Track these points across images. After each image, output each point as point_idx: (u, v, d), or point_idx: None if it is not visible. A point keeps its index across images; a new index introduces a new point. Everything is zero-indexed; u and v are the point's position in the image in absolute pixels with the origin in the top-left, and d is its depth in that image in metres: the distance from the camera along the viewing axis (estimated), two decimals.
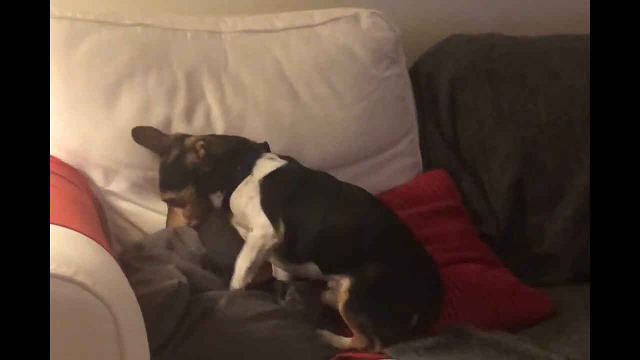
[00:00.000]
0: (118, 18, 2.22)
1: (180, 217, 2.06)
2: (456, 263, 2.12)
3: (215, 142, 2.04)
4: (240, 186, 2.00)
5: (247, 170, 2.01)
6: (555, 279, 2.35)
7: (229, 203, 2.01)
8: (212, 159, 2.01)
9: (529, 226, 2.39)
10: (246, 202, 1.98)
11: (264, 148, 2.08)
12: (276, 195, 1.96)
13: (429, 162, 2.43)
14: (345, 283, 1.87)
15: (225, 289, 1.90)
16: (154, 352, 1.59)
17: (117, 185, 2.13)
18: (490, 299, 2.04)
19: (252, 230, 1.95)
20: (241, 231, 2.03)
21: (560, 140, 2.40)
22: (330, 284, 1.95)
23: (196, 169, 2.01)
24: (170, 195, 2.04)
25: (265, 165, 2.01)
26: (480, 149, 2.42)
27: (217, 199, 2.04)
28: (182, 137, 2.05)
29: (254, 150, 2.05)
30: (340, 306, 1.87)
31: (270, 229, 1.92)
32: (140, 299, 1.49)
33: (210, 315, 1.79)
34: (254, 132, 2.18)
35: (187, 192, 2.03)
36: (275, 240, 1.92)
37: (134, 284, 1.52)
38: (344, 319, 1.88)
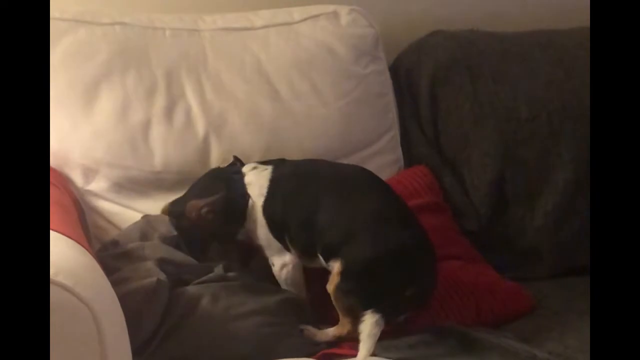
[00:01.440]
0: (96, 17, 2.21)
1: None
2: (437, 260, 2.12)
3: (212, 201, 1.97)
4: (248, 221, 1.99)
5: (245, 198, 1.98)
6: (536, 274, 2.35)
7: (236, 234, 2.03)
8: (221, 214, 1.98)
9: (510, 221, 2.40)
10: (254, 226, 1.99)
11: (239, 164, 2.06)
12: (278, 215, 1.96)
13: (409, 158, 2.43)
14: (337, 266, 1.86)
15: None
16: (136, 351, 1.59)
17: (96, 185, 2.13)
18: (472, 295, 2.04)
19: (273, 265, 1.99)
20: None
21: (540, 135, 2.41)
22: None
23: (214, 230, 1.99)
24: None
25: (256, 181, 2.00)
26: (461, 145, 2.42)
27: (241, 236, 2.03)
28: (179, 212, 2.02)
29: (236, 174, 2.03)
30: (331, 289, 1.86)
31: (286, 258, 1.97)
32: (120, 298, 1.49)
33: (193, 314, 1.79)
34: (234, 129, 2.18)
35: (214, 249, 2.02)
36: (294, 264, 1.97)
37: (114, 283, 1.52)
38: (334, 301, 1.87)
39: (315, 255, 1.94)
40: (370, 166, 2.32)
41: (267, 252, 1.99)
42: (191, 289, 1.85)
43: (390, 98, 2.44)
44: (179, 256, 1.94)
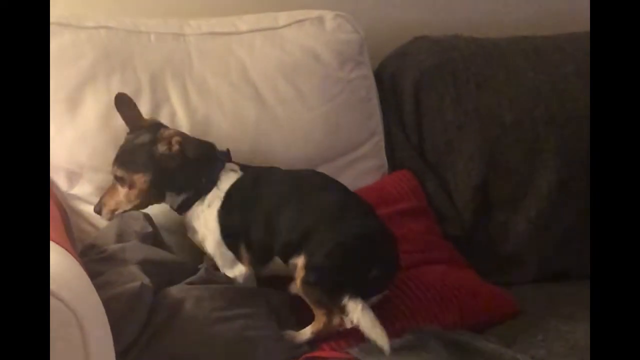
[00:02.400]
0: (81, 21, 2.21)
1: (120, 196, 2.01)
2: (421, 264, 2.13)
3: (191, 143, 2.02)
4: (203, 206, 2.00)
5: (212, 184, 2.01)
6: (519, 278, 2.36)
7: (185, 210, 2.02)
8: (182, 159, 1.98)
9: (494, 226, 2.41)
10: (205, 233, 2.00)
11: (227, 156, 2.08)
12: (235, 220, 1.98)
13: (393, 163, 2.44)
14: (300, 261, 1.88)
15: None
16: (120, 355, 1.59)
17: (80, 189, 2.12)
18: (455, 299, 2.04)
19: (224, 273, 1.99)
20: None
21: (524, 140, 2.42)
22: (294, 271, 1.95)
23: (162, 161, 1.98)
24: (122, 173, 1.99)
25: (225, 180, 2.02)
26: (444, 150, 2.43)
27: (172, 199, 2.03)
28: (158, 126, 2.04)
29: (220, 161, 2.05)
30: (298, 284, 1.88)
31: (238, 270, 1.98)
32: (104, 302, 1.49)
33: (176, 317, 1.78)
34: (219, 134, 2.18)
35: (142, 179, 1.99)
36: (247, 275, 1.98)
37: (97, 287, 1.52)
38: (304, 296, 1.89)
39: (270, 259, 1.96)
40: (355, 171, 2.34)
41: (219, 263, 2.00)
42: (174, 291, 1.85)
43: (374, 103, 2.44)
44: (161, 254, 1.94)
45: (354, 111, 2.37)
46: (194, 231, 2.02)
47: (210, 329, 1.79)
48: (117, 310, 1.66)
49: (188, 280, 1.89)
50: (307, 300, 1.89)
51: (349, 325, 1.84)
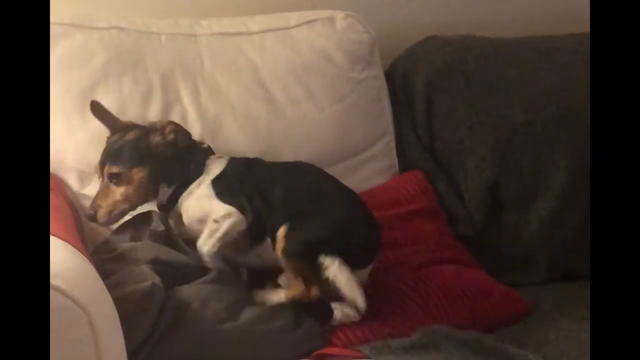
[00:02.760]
0: (93, 21, 2.21)
1: (116, 196, 1.99)
2: (432, 264, 2.13)
3: (182, 131, 2.03)
4: (192, 187, 2.00)
5: (200, 169, 2.01)
6: (531, 278, 2.36)
7: (173, 204, 2.02)
8: (175, 148, 1.99)
9: (505, 226, 2.40)
10: (202, 202, 1.98)
11: (210, 150, 2.09)
12: (232, 187, 1.98)
13: (404, 163, 2.44)
14: (281, 231, 1.89)
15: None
16: (131, 355, 1.59)
17: (92, 189, 2.12)
18: (466, 300, 2.04)
19: (215, 221, 1.94)
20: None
21: (535, 141, 2.41)
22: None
23: (158, 152, 1.99)
24: (117, 169, 1.97)
25: (214, 165, 2.03)
26: (455, 150, 2.43)
27: (164, 192, 2.02)
28: (137, 125, 2.05)
29: (207, 149, 2.07)
30: (279, 253, 1.89)
31: (237, 214, 1.94)
32: (116, 301, 1.49)
33: (184, 317, 1.78)
34: (229, 134, 2.19)
35: (140, 173, 1.98)
36: (243, 225, 1.95)
37: (109, 287, 1.52)
38: (284, 266, 1.90)
39: (263, 239, 1.95)
40: (365, 171, 2.34)
41: (213, 212, 1.96)
42: (182, 291, 1.85)
43: (385, 103, 2.44)
44: (171, 254, 1.94)
45: (365, 111, 2.38)
46: (184, 216, 2.00)
47: (218, 328, 1.79)
48: (128, 310, 1.66)
49: (199, 281, 1.89)
50: (286, 270, 1.90)
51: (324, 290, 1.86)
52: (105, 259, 1.91)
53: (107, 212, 1.99)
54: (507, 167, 2.41)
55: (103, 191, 2.00)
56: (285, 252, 1.88)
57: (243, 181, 1.99)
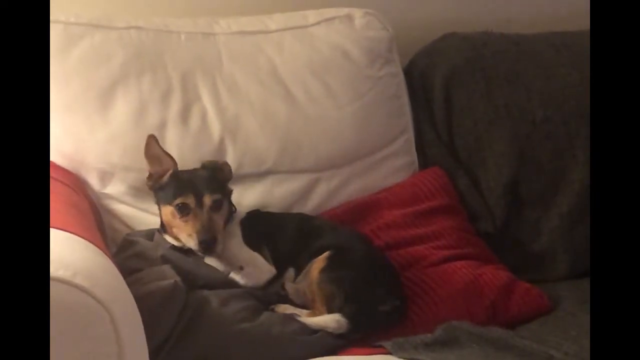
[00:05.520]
0: (112, 21, 2.22)
1: (220, 223, 1.98)
2: (453, 260, 2.13)
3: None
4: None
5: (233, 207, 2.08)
6: (552, 275, 2.35)
7: None
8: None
9: (525, 223, 2.40)
10: (230, 242, 2.00)
11: None
12: (256, 229, 2.04)
13: (424, 160, 2.44)
14: (326, 253, 1.93)
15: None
16: (152, 352, 1.59)
17: (113, 188, 2.13)
18: (487, 296, 2.04)
19: (243, 269, 1.97)
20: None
21: (555, 137, 2.41)
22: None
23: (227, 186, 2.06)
24: (217, 197, 1.96)
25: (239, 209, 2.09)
26: (475, 147, 2.43)
27: None
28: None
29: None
30: (315, 274, 1.90)
31: (266, 266, 1.99)
32: (137, 300, 1.49)
33: (203, 316, 1.79)
34: (249, 132, 2.19)
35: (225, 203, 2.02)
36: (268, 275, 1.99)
37: (131, 285, 1.52)
38: (315, 286, 1.90)
39: (285, 270, 2.00)
40: (385, 168, 2.34)
41: (241, 258, 1.99)
42: (204, 291, 1.86)
43: (404, 100, 2.44)
44: (190, 264, 1.94)
45: (384, 109, 2.38)
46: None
47: (237, 327, 1.80)
48: (150, 308, 1.66)
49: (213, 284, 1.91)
50: (317, 291, 1.90)
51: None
52: (127, 256, 1.93)
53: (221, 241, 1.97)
54: (526, 163, 2.41)
55: (209, 221, 1.94)
56: (323, 273, 1.90)
57: (268, 222, 2.08)
